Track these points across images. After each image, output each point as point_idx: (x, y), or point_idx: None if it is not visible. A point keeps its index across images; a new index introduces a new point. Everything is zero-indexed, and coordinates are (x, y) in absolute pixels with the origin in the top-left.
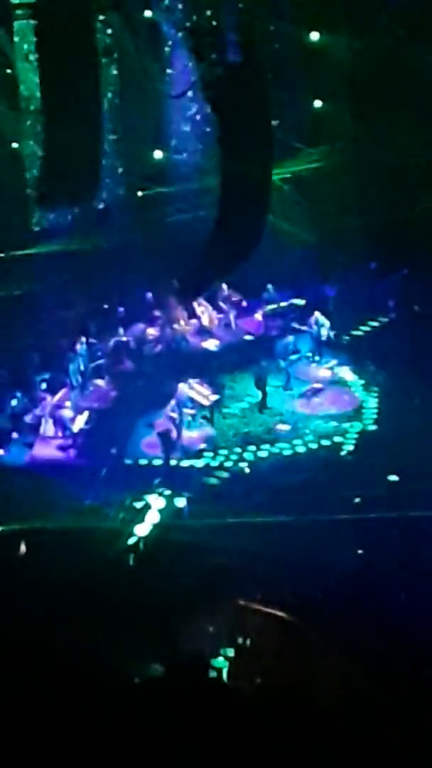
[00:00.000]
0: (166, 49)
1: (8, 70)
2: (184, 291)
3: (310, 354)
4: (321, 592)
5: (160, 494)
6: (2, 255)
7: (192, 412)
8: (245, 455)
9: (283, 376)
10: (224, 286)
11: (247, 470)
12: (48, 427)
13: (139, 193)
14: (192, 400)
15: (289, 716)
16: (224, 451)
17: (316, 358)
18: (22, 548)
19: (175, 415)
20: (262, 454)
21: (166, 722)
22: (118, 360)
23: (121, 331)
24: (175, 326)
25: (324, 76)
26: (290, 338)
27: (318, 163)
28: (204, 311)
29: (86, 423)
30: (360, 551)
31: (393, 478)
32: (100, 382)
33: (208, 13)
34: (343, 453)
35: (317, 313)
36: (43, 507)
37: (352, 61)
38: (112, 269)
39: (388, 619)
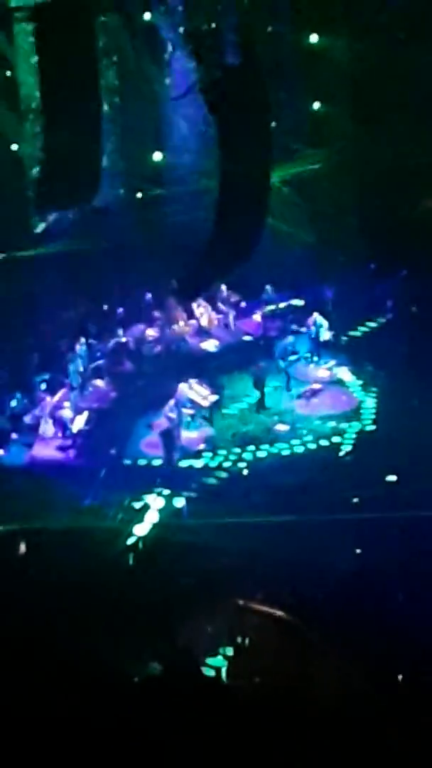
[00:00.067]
0: (165, 51)
1: (8, 72)
2: (183, 292)
3: (308, 355)
4: (320, 592)
5: (159, 494)
6: (2, 255)
7: (191, 412)
8: (244, 455)
9: (282, 377)
10: (223, 287)
11: (246, 472)
12: (47, 428)
13: (139, 195)
14: (191, 400)
15: (287, 716)
16: (223, 452)
17: (315, 358)
18: (22, 548)
19: (173, 415)
20: (261, 454)
21: (164, 721)
22: (118, 361)
23: (120, 331)
24: (175, 327)
25: (323, 78)
26: (290, 339)
27: (317, 165)
28: (203, 312)
29: (86, 423)
30: (358, 551)
31: (391, 478)
32: (99, 382)
33: (207, 15)
34: (341, 453)
35: (316, 314)
36: (43, 507)
37: (351, 62)
38: (112, 270)
39: (387, 618)
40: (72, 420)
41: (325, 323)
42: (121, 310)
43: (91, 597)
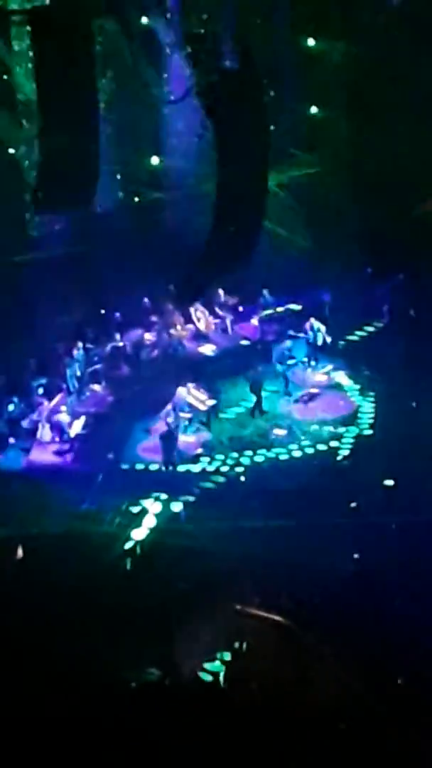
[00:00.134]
0: (163, 55)
1: (5, 77)
2: (180, 296)
3: (305, 359)
4: (317, 596)
5: (157, 499)
6: None
7: (188, 416)
8: (242, 460)
9: (280, 381)
10: (221, 291)
11: (243, 479)
12: (45, 432)
13: (136, 199)
14: (189, 404)
15: (285, 720)
16: (220, 456)
17: (312, 363)
18: (19, 552)
19: (170, 419)
20: (259, 458)
21: (162, 726)
22: (115, 365)
23: (117, 336)
24: (172, 331)
25: (320, 82)
26: (288, 343)
27: (314, 169)
28: (201, 316)
29: (83, 428)
30: (356, 555)
31: (389, 482)
32: (96, 387)
33: (204, 19)
34: (339, 458)
35: (312, 319)
36: (40, 511)
37: (349, 66)
38: (109, 274)
39: (384, 623)
40: (69, 424)
41: (323, 327)
42: (118, 314)
43: (88, 601)
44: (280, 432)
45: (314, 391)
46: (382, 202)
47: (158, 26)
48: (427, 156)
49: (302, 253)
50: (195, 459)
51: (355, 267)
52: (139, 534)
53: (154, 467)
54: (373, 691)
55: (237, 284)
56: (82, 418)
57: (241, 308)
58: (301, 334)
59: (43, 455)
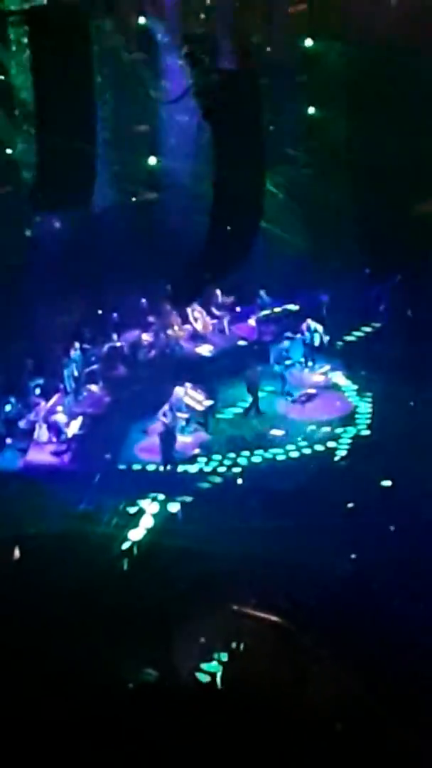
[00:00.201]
0: (160, 55)
1: (2, 77)
2: (177, 296)
3: (302, 360)
4: (314, 597)
5: (154, 499)
6: None
7: (186, 416)
8: (239, 460)
9: (277, 382)
10: (218, 291)
11: (240, 481)
12: (42, 433)
13: (133, 199)
14: (186, 405)
15: (282, 721)
16: (218, 456)
17: (309, 363)
18: (16, 553)
19: (167, 420)
20: (256, 459)
21: (160, 727)
22: (112, 365)
23: (114, 336)
24: (169, 332)
25: (318, 83)
26: (285, 343)
27: (312, 170)
28: (198, 317)
29: (80, 428)
30: (353, 556)
31: (386, 483)
32: (93, 387)
33: (202, 19)
34: (336, 458)
35: (309, 320)
36: (37, 512)
37: (347, 67)
38: (106, 275)
39: (382, 623)
40: (66, 425)
41: (320, 328)
42: (115, 314)
43: (85, 602)
44: (277, 432)
45: (311, 391)
46: (380, 202)
47: (156, 26)
48: (426, 157)
49: (300, 253)
50: (192, 459)
51: (352, 267)
52: (136, 534)
53: (151, 468)
54: (370, 692)
55: (234, 285)
56: (79, 419)
57: (238, 309)
58: (298, 335)
59: (40, 456)
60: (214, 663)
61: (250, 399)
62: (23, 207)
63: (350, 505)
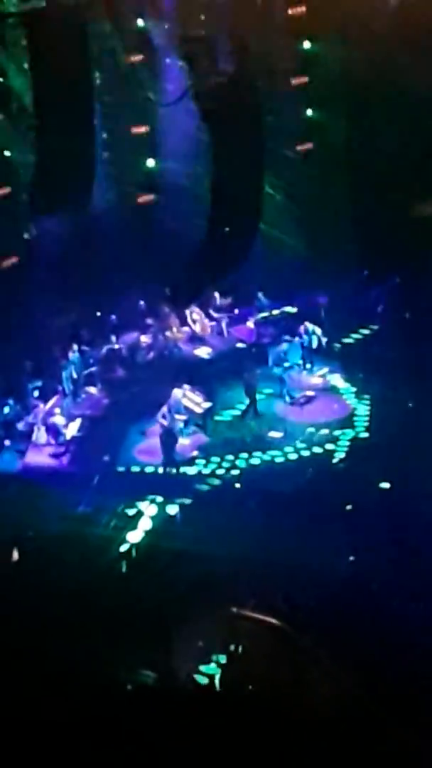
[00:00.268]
0: (159, 57)
1: (0, 79)
2: (176, 299)
3: (301, 362)
4: (313, 599)
5: (153, 501)
6: None
7: (184, 418)
8: (237, 462)
9: (276, 384)
10: (216, 293)
11: (238, 485)
12: (40, 435)
13: (131, 201)
14: (184, 407)
15: (281, 723)
16: (216, 458)
17: (308, 366)
18: (15, 555)
19: (165, 421)
20: (254, 461)
21: (158, 729)
22: (111, 367)
23: (113, 338)
24: (168, 334)
25: (317, 85)
26: (284, 346)
27: (310, 172)
28: (196, 319)
29: (78, 430)
30: (351, 558)
31: (385, 485)
32: (92, 389)
33: (201, 21)
34: (334, 460)
35: (307, 323)
36: (36, 514)
37: (345, 69)
38: (105, 277)
39: (380, 625)
40: (65, 427)
41: (318, 330)
42: (114, 316)
43: (84, 604)
44: (275, 435)
45: (310, 393)
46: (378, 204)
47: (154, 29)
48: (423, 159)
49: (298, 255)
50: (190, 461)
51: (350, 270)
52: (134, 536)
53: (149, 470)
54: (369, 693)
55: (232, 287)
56: (78, 421)
57: (236, 311)
58: (297, 339)
59: (39, 458)
60: (213, 665)
61: (248, 401)
62: (22, 209)
63: (349, 507)
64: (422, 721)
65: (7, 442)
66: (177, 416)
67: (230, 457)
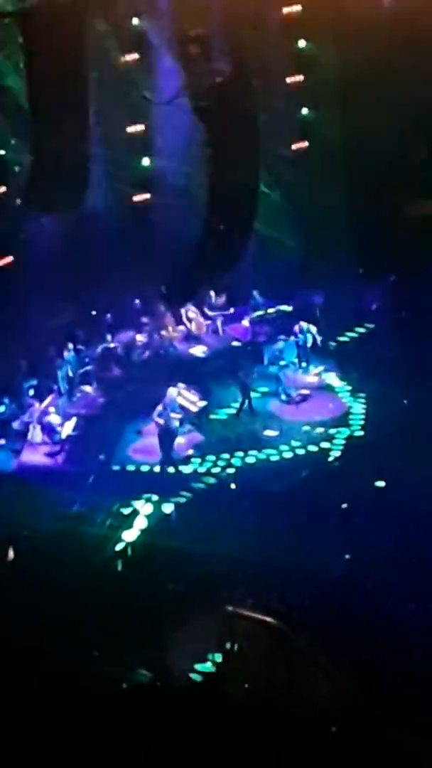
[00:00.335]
0: (154, 56)
1: None
2: (171, 297)
3: (296, 361)
4: (309, 598)
5: (148, 500)
6: None
7: (179, 417)
8: (233, 461)
9: (272, 383)
10: (212, 292)
11: (233, 486)
12: (36, 434)
13: (127, 200)
14: (180, 406)
15: (277, 722)
16: (212, 457)
17: (303, 364)
18: (10, 554)
19: (161, 420)
20: (250, 460)
21: (153, 728)
22: (106, 366)
23: (108, 337)
24: (163, 333)
25: (312, 84)
26: (280, 344)
27: (305, 171)
28: (192, 318)
29: (74, 429)
30: (347, 556)
31: (380, 483)
32: (87, 388)
33: (196, 21)
34: (330, 459)
35: (302, 321)
36: (31, 513)
37: (341, 68)
38: (100, 275)
39: (376, 624)
40: (60, 426)
41: (314, 329)
42: (109, 315)
43: (79, 603)
44: (270, 433)
45: (305, 392)
46: (374, 203)
47: (150, 28)
48: (419, 158)
49: (293, 254)
50: (186, 460)
51: (346, 268)
52: (130, 535)
53: (145, 468)
54: (365, 693)
55: (228, 285)
56: (73, 420)
57: (232, 309)
58: (292, 337)
59: (34, 457)
60: (209, 664)
61: (244, 399)
62: (17, 208)
63: (344, 505)
64: (419, 720)
65: (2, 441)
66: (172, 415)
67: (226, 455)
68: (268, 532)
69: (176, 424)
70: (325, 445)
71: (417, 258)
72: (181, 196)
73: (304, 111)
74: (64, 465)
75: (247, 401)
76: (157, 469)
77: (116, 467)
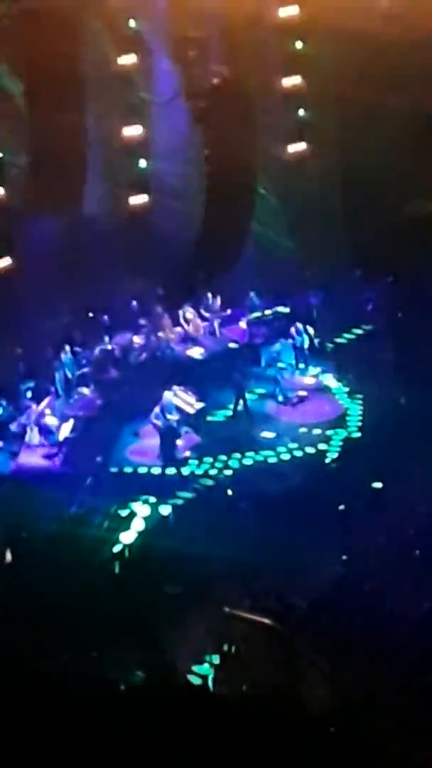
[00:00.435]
0: (151, 57)
1: None
2: (169, 299)
3: (293, 362)
4: (307, 600)
5: (146, 502)
6: None
7: (176, 418)
8: (230, 463)
9: (269, 384)
10: (209, 294)
11: (230, 492)
12: (33, 436)
13: (124, 201)
14: (177, 407)
15: (274, 723)
16: (209, 459)
17: (300, 366)
18: (8, 556)
19: (159, 422)
20: (247, 461)
21: (151, 729)
22: (103, 368)
23: (106, 339)
24: (160, 334)
25: (309, 85)
26: (277, 346)
27: (302, 172)
28: (189, 319)
29: (71, 431)
30: (344, 558)
31: (377, 485)
32: (85, 390)
33: (194, 22)
34: (327, 460)
35: (299, 323)
36: (28, 515)
37: (338, 70)
38: (97, 277)
39: (374, 626)
40: (58, 428)
41: (311, 330)
42: (106, 317)
43: (76, 605)
44: (268, 435)
45: (302, 394)
46: (371, 204)
47: (147, 29)
48: (415, 159)
49: (290, 255)
50: (183, 462)
51: (343, 269)
52: (127, 537)
53: (142, 470)
54: (363, 693)
55: (225, 287)
56: (71, 422)
57: (229, 311)
58: (290, 340)
59: (32, 459)
60: (206, 665)
61: (240, 401)
62: (13, 209)
63: (341, 507)
64: (418, 720)
65: None
66: (169, 416)
67: (223, 457)
68: (265, 534)
69: (174, 425)
70: (322, 446)
71: (414, 259)
72: (178, 197)
73: (301, 112)
74: (62, 467)
75: (242, 402)
76: (154, 470)
77: (114, 469)
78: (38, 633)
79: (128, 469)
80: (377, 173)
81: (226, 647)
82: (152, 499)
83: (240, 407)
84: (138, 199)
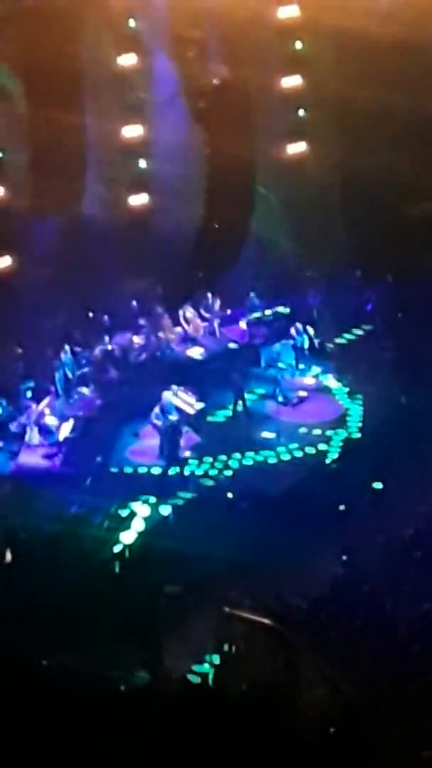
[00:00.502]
0: (151, 57)
1: None
2: (168, 299)
3: (293, 362)
4: (306, 599)
5: (146, 502)
6: None
7: (175, 418)
8: (230, 463)
9: (269, 385)
10: (209, 294)
11: (230, 495)
12: (33, 436)
13: (123, 201)
14: (177, 407)
15: (274, 723)
16: (209, 459)
17: (300, 366)
18: (7, 556)
19: (158, 422)
20: (247, 461)
21: (151, 729)
22: (104, 368)
23: (106, 339)
24: (160, 334)
25: (309, 86)
26: (277, 346)
27: (302, 172)
28: (189, 319)
29: (71, 431)
30: (344, 558)
31: (377, 485)
32: (85, 390)
33: (193, 22)
34: (327, 460)
35: (299, 324)
36: (28, 515)
37: (338, 70)
38: (97, 277)
39: (374, 625)
40: (58, 428)
41: (311, 331)
42: (106, 317)
43: (76, 604)
44: (268, 435)
45: (303, 394)
46: (370, 205)
47: (146, 29)
48: (415, 160)
49: (290, 256)
50: (183, 462)
51: (343, 269)
52: (127, 537)
53: (142, 470)
54: (362, 693)
55: (225, 287)
56: (71, 422)
57: (229, 311)
58: (291, 341)
59: (32, 458)
60: (206, 665)
61: (240, 401)
62: (13, 209)
63: (341, 507)
64: (417, 720)
65: None
66: (169, 417)
67: (223, 457)
68: (265, 534)
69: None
70: (322, 446)
71: (414, 260)
72: (178, 197)
73: (301, 112)
74: (62, 467)
75: (240, 402)
76: (154, 470)
77: (113, 469)
78: (38, 633)
79: (128, 469)
80: (377, 173)
81: (226, 647)
82: (152, 499)
83: (239, 407)
84: (138, 199)
